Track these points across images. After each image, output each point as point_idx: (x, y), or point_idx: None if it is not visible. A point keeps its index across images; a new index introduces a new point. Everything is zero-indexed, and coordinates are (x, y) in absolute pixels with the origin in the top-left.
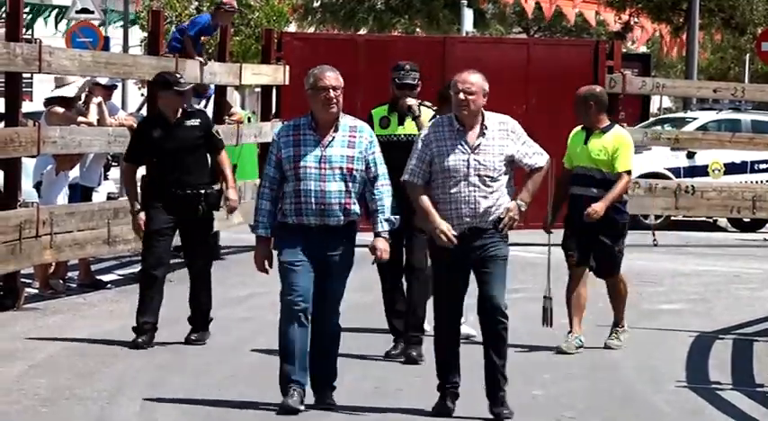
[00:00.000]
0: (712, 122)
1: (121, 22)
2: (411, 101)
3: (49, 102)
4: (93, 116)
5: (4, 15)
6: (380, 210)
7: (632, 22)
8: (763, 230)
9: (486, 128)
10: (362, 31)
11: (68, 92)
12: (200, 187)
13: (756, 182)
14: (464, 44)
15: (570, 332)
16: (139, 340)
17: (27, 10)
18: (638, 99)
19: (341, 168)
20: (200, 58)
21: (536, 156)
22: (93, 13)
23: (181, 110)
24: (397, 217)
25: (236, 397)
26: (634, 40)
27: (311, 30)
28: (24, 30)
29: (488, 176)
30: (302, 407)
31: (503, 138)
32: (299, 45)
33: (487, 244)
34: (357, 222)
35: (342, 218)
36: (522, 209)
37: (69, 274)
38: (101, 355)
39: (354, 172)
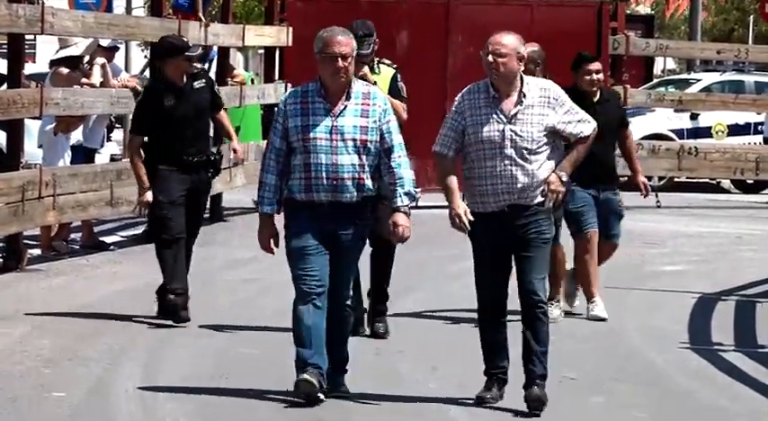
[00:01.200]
0: (716, 84)
1: None
2: (365, 69)
3: (54, 63)
4: (96, 78)
5: None
6: (399, 184)
7: None
8: (767, 192)
9: (524, 95)
10: None
11: (74, 51)
12: (209, 152)
13: (759, 143)
14: (467, 6)
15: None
16: (171, 297)
17: None
18: (642, 60)
19: (354, 140)
20: (202, 17)
21: (580, 124)
22: None
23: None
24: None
25: (241, 354)
26: (641, 1)
27: None
28: None
29: (526, 149)
30: (322, 396)
31: (543, 106)
32: (302, 6)
33: (529, 223)
34: (370, 199)
35: (355, 194)
36: (564, 178)
37: (72, 236)
38: (103, 317)
39: (369, 143)
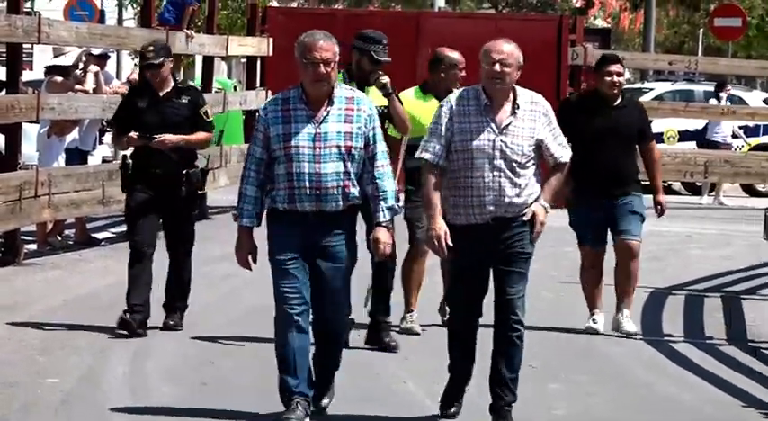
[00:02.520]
0: (667, 93)
1: None
2: (386, 78)
3: (49, 70)
4: (89, 84)
5: None
6: (382, 196)
7: None
8: (713, 194)
9: (518, 106)
10: (340, 7)
11: (67, 61)
12: (181, 167)
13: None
14: (437, 19)
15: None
16: (127, 317)
17: None
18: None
19: (338, 146)
20: (188, 31)
21: (561, 148)
22: None
23: (172, 84)
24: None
25: (225, 343)
26: (596, 15)
27: (294, 4)
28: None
29: (516, 161)
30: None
31: (534, 120)
32: (282, 19)
33: (513, 236)
34: (357, 207)
35: (340, 203)
36: (548, 210)
37: (66, 232)
38: (95, 308)
39: (353, 150)
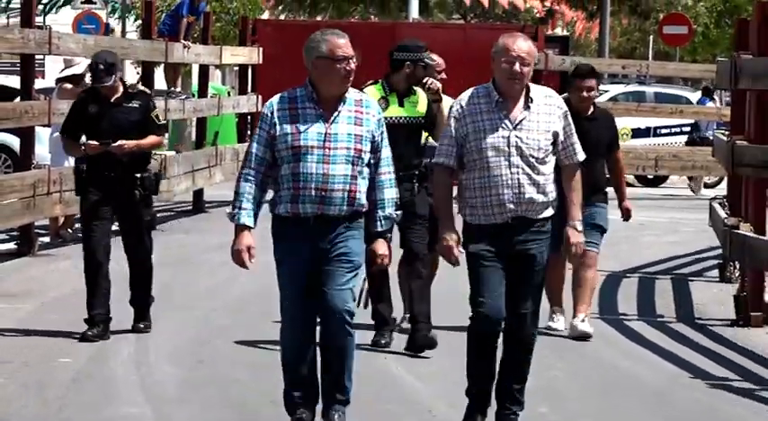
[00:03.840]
0: (621, 94)
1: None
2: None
3: (60, 80)
4: None
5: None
6: (381, 205)
7: (554, 9)
8: (665, 185)
9: (531, 100)
10: (321, 18)
11: (77, 70)
12: (134, 171)
13: (658, 144)
14: (411, 28)
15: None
16: (89, 333)
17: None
18: (558, 75)
19: (347, 148)
20: (185, 42)
21: (576, 146)
22: (95, 3)
23: (122, 89)
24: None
25: (220, 324)
26: (558, 24)
27: (281, 17)
28: (38, 17)
29: (533, 157)
30: None
31: (549, 114)
32: (270, 30)
33: (530, 240)
34: (361, 213)
35: (344, 207)
36: (579, 228)
37: (76, 225)
38: None
39: (362, 154)
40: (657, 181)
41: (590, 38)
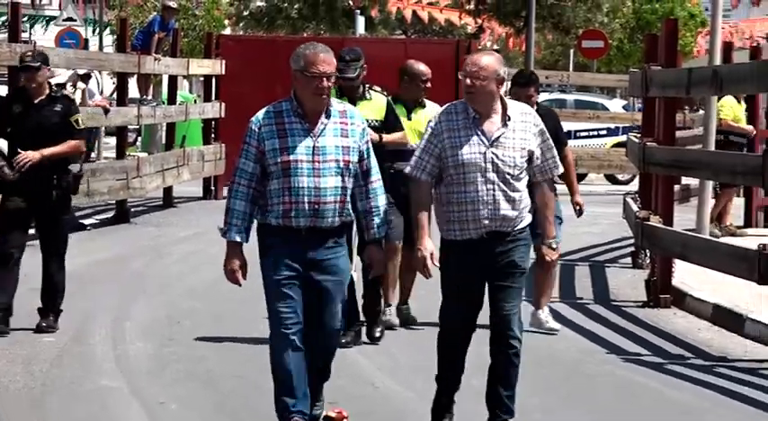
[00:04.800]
0: (545, 101)
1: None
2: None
3: None
4: (77, 99)
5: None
6: (375, 212)
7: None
8: (584, 183)
9: (509, 118)
10: (277, 34)
11: (59, 79)
12: (53, 172)
13: (577, 146)
14: (357, 43)
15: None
16: None
17: (25, 19)
18: None
19: (336, 161)
20: (156, 55)
21: (554, 161)
22: (75, 20)
23: (47, 92)
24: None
25: (189, 307)
26: (489, 39)
27: (242, 33)
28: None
29: (509, 174)
30: None
31: (525, 131)
32: (232, 44)
33: (509, 251)
34: (350, 223)
35: (336, 219)
36: (554, 246)
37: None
38: (82, 280)
39: (350, 165)
40: (578, 178)
41: (518, 51)
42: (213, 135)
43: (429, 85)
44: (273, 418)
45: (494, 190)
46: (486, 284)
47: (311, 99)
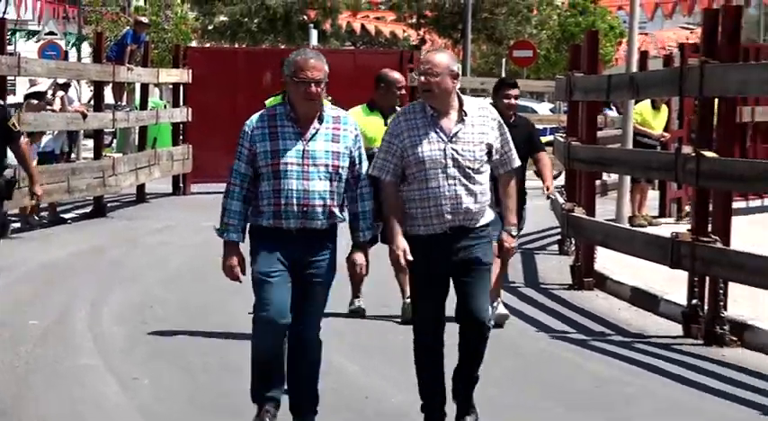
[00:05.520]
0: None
1: (77, 41)
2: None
3: (27, 96)
4: (57, 105)
5: None
6: (362, 216)
7: (425, 37)
8: None
9: (465, 113)
10: (239, 45)
11: (41, 88)
12: None
13: None
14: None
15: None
16: None
17: (9, 34)
18: None
19: (326, 165)
20: (129, 65)
21: (512, 153)
22: (56, 34)
23: None
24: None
25: (160, 294)
26: (428, 50)
27: (207, 45)
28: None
29: (469, 168)
30: None
31: (483, 125)
32: (198, 55)
33: (472, 245)
34: (335, 226)
35: (326, 221)
36: (513, 233)
37: (42, 213)
38: (63, 270)
39: (340, 170)
40: None
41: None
42: (181, 137)
43: (404, 91)
44: (237, 390)
45: (455, 185)
46: (452, 282)
47: (302, 104)
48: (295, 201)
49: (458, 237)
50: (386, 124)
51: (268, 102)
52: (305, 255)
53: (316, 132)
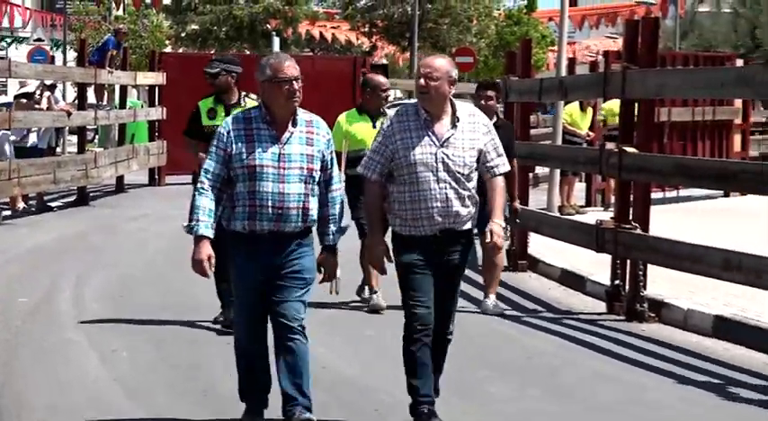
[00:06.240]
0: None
1: (62, 46)
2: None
3: (17, 96)
4: (44, 105)
5: None
6: (332, 220)
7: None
8: None
9: (458, 119)
10: (208, 51)
11: (29, 89)
12: None
13: None
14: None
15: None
16: None
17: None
18: None
19: (301, 168)
20: (109, 68)
21: (501, 158)
22: (43, 41)
23: None
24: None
25: (137, 275)
26: (382, 56)
27: (180, 50)
28: None
29: (459, 173)
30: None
31: (473, 131)
32: (172, 60)
33: (455, 251)
34: (310, 229)
35: (300, 224)
36: (501, 226)
37: (30, 202)
38: (49, 253)
39: (314, 172)
40: None
41: (404, 65)
42: (157, 134)
43: (389, 94)
44: (205, 362)
45: (445, 188)
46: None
47: (284, 105)
48: (270, 203)
49: (446, 240)
50: (374, 127)
51: (201, 102)
52: (281, 259)
53: (290, 135)
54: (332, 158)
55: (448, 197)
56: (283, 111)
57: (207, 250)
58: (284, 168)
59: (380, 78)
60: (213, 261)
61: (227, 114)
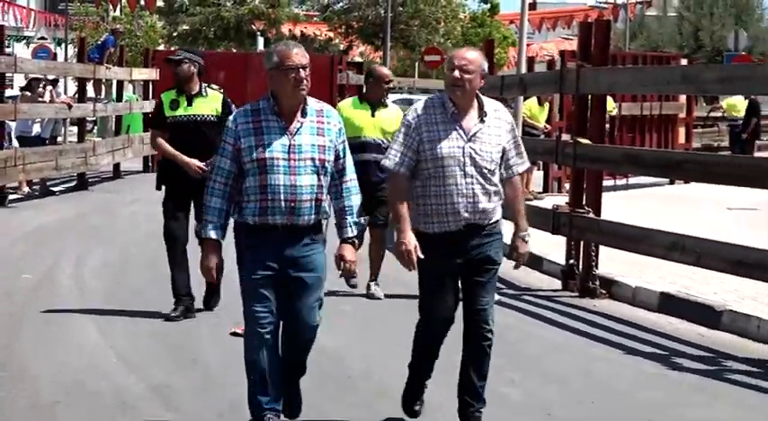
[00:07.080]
0: (396, 100)
1: (63, 43)
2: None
3: (22, 89)
4: (47, 97)
5: None
6: (349, 211)
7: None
8: None
9: (485, 114)
10: (198, 48)
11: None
12: None
13: None
14: (259, 57)
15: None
16: None
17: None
18: (356, 88)
19: (312, 159)
20: (107, 64)
21: (520, 157)
22: (47, 39)
23: None
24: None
25: (134, 253)
26: (356, 54)
27: (172, 48)
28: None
29: (486, 168)
30: None
31: (498, 128)
32: (164, 57)
33: (484, 244)
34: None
35: (313, 216)
36: (527, 239)
37: (34, 186)
38: (52, 233)
39: (327, 163)
40: None
41: (378, 63)
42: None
43: (391, 85)
44: (197, 331)
45: (472, 183)
46: (461, 279)
47: (291, 94)
48: (282, 196)
49: (471, 235)
50: (373, 115)
51: (164, 94)
52: (293, 253)
53: (300, 126)
54: (344, 148)
55: (474, 192)
56: (291, 100)
57: (216, 256)
58: (295, 160)
59: (385, 70)
60: (222, 266)
61: (189, 104)
